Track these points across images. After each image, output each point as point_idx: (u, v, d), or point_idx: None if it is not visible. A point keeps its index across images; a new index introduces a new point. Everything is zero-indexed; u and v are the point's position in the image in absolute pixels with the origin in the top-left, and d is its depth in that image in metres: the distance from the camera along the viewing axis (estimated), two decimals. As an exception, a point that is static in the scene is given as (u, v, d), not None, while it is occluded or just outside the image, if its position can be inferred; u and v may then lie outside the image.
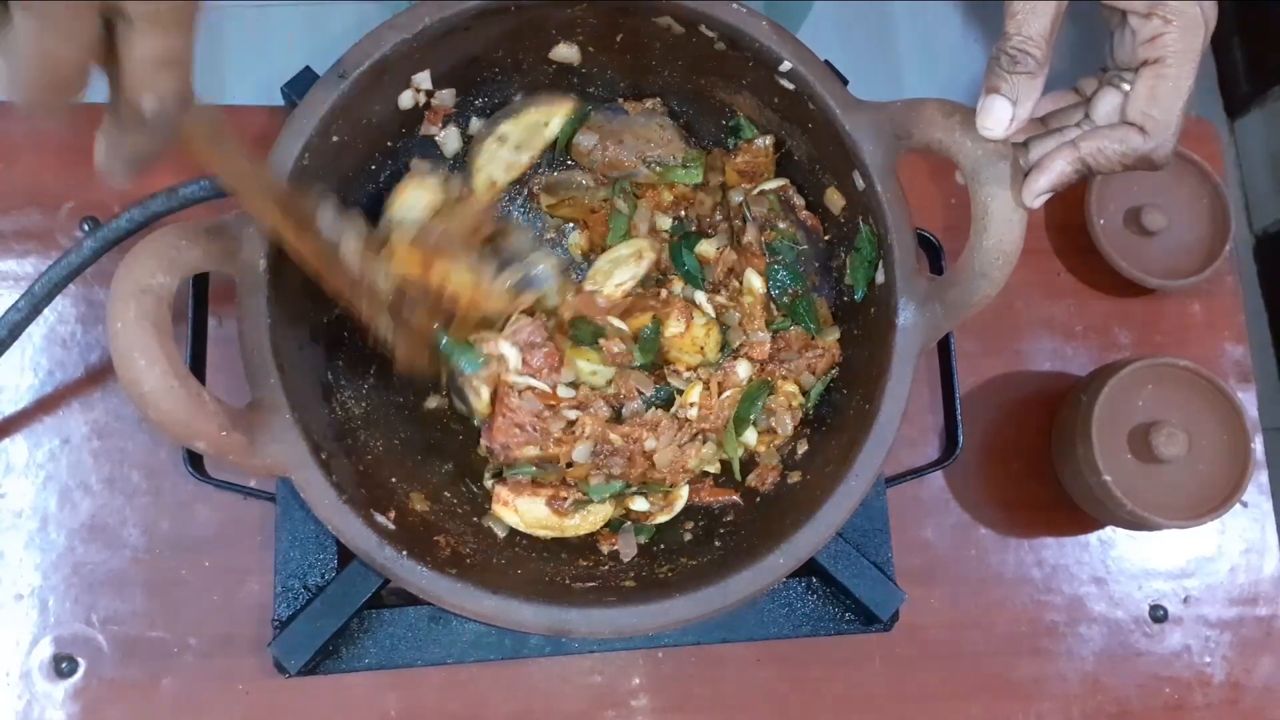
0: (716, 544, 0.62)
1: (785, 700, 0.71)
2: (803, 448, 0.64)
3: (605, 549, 0.63)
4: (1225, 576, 0.78)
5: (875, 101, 0.58)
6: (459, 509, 0.63)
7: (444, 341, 0.62)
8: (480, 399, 0.64)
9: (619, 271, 0.67)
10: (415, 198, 0.61)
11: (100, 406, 0.70)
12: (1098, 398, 0.71)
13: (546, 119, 0.66)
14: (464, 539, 0.60)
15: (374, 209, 0.65)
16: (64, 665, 0.66)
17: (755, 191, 0.67)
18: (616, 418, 0.66)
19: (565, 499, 0.63)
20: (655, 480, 0.65)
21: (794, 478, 0.63)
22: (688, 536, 0.63)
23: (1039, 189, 0.51)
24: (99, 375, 0.70)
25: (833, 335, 0.66)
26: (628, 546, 0.62)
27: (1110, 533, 0.77)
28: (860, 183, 0.59)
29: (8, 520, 0.67)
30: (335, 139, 0.58)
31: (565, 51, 0.64)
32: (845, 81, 0.60)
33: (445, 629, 0.64)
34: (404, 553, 0.53)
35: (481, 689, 0.68)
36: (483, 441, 0.65)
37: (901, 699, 0.72)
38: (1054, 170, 0.51)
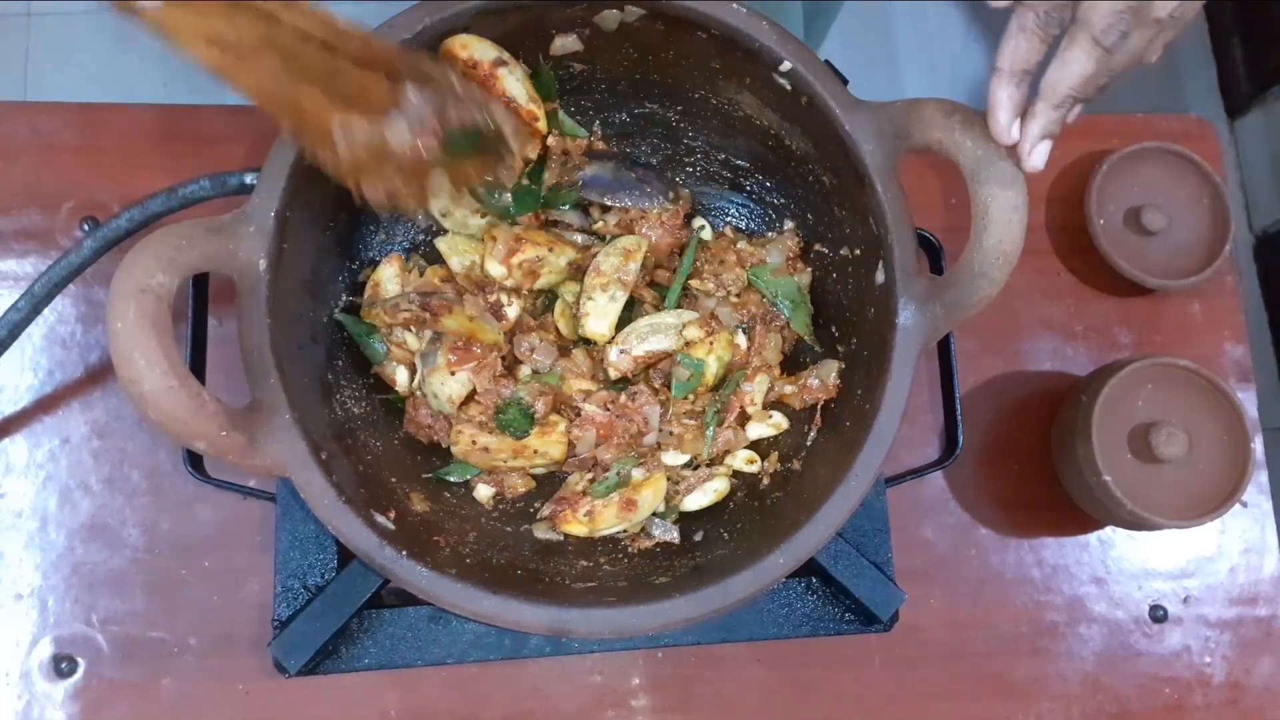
0: (716, 544, 0.62)
1: (785, 700, 0.71)
2: (798, 461, 0.64)
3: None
4: (1225, 576, 0.78)
5: (875, 101, 0.58)
6: (459, 509, 0.63)
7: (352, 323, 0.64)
8: (399, 379, 0.65)
9: (655, 339, 0.63)
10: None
11: (100, 406, 0.70)
12: (1098, 398, 0.71)
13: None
14: (464, 539, 0.60)
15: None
16: (64, 665, 0.66)
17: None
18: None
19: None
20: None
21: (795, 465, 0.63)
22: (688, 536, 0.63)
23: (1030, 135, 0.50)
24: (99, 375, 0.70)
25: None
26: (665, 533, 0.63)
27: (1110, 533, 0.77)
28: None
29: (8, 520, 0.67)
30: (335, 139, 0.57)
31: (564, 43, 0.64)
32: (845, 81, 0.60)
33: (445, 629, 0.64)
34: (404, 553, 0.53)
35: (481, 689, 0.68)
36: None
37: (901, 699, 0.72)
38: (1020, 112, 0.49)
